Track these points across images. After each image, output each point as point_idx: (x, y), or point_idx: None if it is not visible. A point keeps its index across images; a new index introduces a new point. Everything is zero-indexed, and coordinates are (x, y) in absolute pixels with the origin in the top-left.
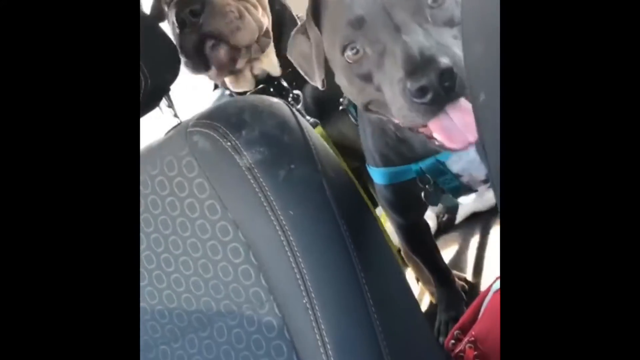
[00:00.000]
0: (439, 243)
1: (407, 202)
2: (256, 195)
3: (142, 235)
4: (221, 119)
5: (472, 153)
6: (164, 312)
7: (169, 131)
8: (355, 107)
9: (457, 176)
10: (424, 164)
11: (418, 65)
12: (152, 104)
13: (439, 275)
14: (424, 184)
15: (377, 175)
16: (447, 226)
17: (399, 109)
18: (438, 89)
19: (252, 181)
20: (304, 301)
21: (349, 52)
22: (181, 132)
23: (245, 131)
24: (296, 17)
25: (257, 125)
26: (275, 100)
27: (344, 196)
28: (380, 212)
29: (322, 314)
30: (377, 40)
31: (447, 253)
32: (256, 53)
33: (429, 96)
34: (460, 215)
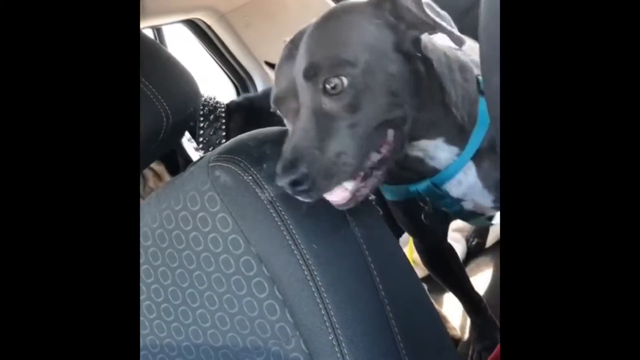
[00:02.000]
0: (470, 268)
1: (416, 222)
2: (279, 229)
3: (167, 270)
4: (242, 153)
5: (473, 178)
6: (191, 347)
7: (191, 165)
8: None
9: (458, 200)
10: (419, 186)
11: (284, 165)
12: (174, 139)
13: (470, 303)
14: (424, 204)
15: (384, 189)
16: (477, 250)
17: None
18: (295, 191)
19: (274, 215)
20: (330, 337)
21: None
22: (203, 166)
23: (266, 164)
24: None
25: (278, 158)
26: None
27: (367, 226)
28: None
29: (348, 350)
30: (287, 115)
31: (478, 278)
32: None
33: (299, 188)
34: (490, 239)
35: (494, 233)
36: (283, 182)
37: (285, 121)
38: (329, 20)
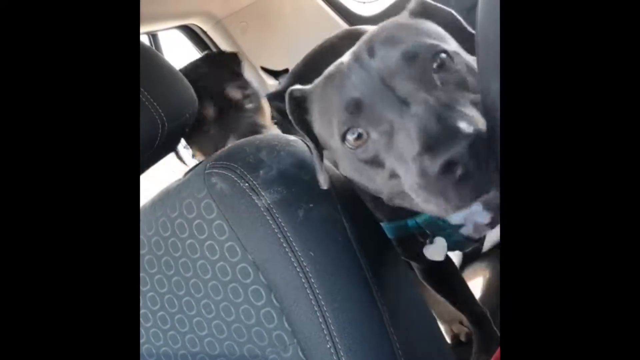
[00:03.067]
0: (466, 274)
1: (414, 254)
2: (275, 236)
3: (163, 278)
4: (238, 160)
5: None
6: (187, 356)
7: (187, 172)
8: None
9: (458, 227)
10: (420, 219)
11: (439, 136)
12: (170, 146)
13: (472, 315)
14: (424, 238)
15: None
16: (473, 256)
17: (419, 194)
18: (469, 162)
19: (271, 222)
20: (328, 345)
21: (349, 137)
22: (199, 173)
23: (262, 171)
24: None
25: (275, 164)
26: (292, 138)
27: (365, 234)
28: None
29: (347, 358)
30: (381, 119)
31: (475, 284)
32: None
33: (458, 172)
34: (487, 244)
35: (490, 238)
36: (448, 153)
37: (361, 129)
38: (385, 26)
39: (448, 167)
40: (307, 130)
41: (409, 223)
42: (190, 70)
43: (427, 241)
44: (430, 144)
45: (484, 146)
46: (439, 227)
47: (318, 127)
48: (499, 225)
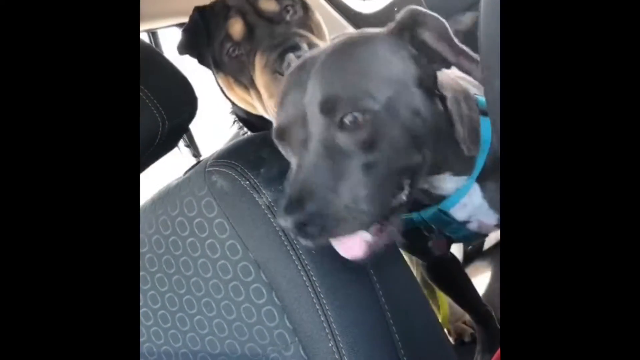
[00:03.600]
0: (468, 271)
1: (419, 248)
2: (277, 234)
3: (164, 277)
4: (239, 158)
5: (479, 199)
6: (188, 355)
7: (187, 171)
8: None
9: (464, 223)
10: (425, 214)
11: (290, 203)
12: (170, 144)
13: (477, 314)
14: (429, 233)
15: None
16: (474, 254)
17: None
18: (300, 233)
19: (272, 220)
20: (330, 344)
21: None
22: (200, 172)
23: (264, 169)
24: None
25: (276, 162)
26: None
27: None
28: None
29: (348, 357)
30: (292, 151)
31: (477, 281)
32: None
33: (294, 234)
34: (488, 242)
35: (491, 235)
36: (287, 222)
37: (285, 153)
38: (346, 48)
39: (299, 225)
40: None
41: (415, 217)
42: None
43: (432, 235)
44: (284, 207)
45: (319, 221)
46: (444, 222)
47: None
48: None
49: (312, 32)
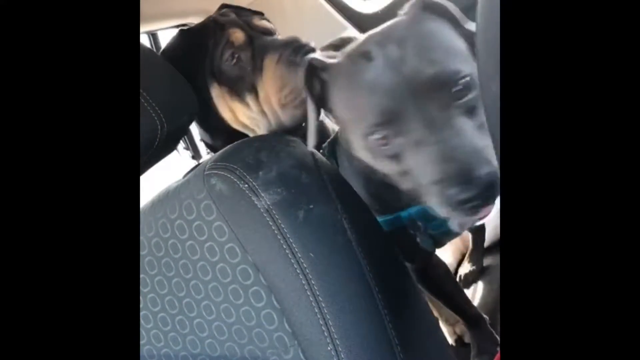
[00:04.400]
0: (468, 292)
1: (407, 248)
2: (275, 237)
3: (163, 280)
4: (238, 160)
5: None
6: (188, 357)
7: (187, 173)
8: (334, 156)
9: (446, 220)
10: (412, 210)
11: (461, 173)
12: (169, 147)
13: (468, 318)
14: (415, 230)
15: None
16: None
17: (437, 205)
18: (483, 198)
19: (270, 223)
20: (329, 348)
21: (375, 137)
22: (198, 174)
23: (262, 172)
24: None
25: (275, 165)
26: (291, 138)
27: (365, 236)
28: None
29: None
30: (410, 132)
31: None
32: None
33: (472, 204)
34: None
35: (489, 236)
36: (469, 192)
37: (387, 133)
38: (414, 25)
39: (466, 201)
40: (317, 97)
41: (402, 215)
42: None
43: (418, 232)
44: (454, 179)
45: (497, 185)
46: (429, 217)
47: (335, 104)
48: (496, 224)
49: None
